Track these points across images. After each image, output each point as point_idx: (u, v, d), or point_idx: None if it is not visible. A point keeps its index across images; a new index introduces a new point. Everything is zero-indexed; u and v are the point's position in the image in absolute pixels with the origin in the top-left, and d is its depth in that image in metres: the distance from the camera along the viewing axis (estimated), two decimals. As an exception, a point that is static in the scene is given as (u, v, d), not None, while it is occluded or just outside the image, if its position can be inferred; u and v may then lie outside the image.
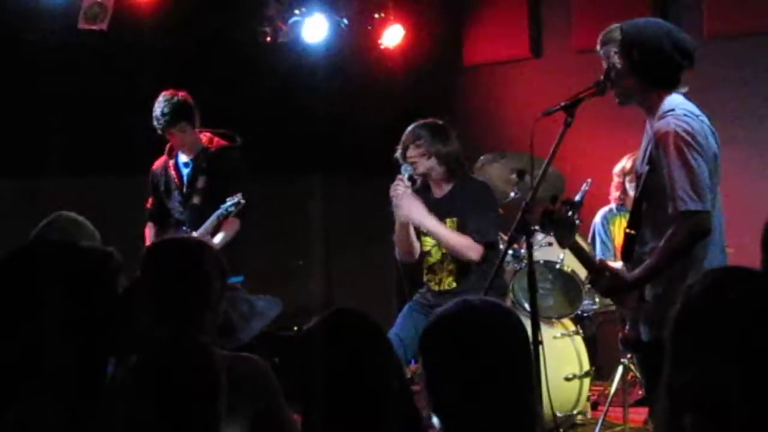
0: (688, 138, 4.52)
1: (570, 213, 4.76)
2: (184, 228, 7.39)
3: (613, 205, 7.93)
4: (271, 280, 8.05)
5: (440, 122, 6.68)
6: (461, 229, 6.54)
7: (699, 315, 1.80)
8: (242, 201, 7.15)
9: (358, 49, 9.77)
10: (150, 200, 7.77)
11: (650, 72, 4.69)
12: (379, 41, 9.65)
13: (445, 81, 10.41)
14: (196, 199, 7.45)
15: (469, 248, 6.48)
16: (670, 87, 4.72)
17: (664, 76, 4.70)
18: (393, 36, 9.64)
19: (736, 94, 8.22)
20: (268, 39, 9.15)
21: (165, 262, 3.72)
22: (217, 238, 7.21)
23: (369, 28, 9.60)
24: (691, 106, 4.68)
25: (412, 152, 6.54)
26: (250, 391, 3.66)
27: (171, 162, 7.59)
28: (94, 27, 8.12)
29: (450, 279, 6.67)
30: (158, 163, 7.71)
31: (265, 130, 8.08)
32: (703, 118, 4.68)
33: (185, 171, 7.55)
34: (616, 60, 4.74)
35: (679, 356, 1.82)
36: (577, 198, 7.35)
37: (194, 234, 7.10)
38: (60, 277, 2.83)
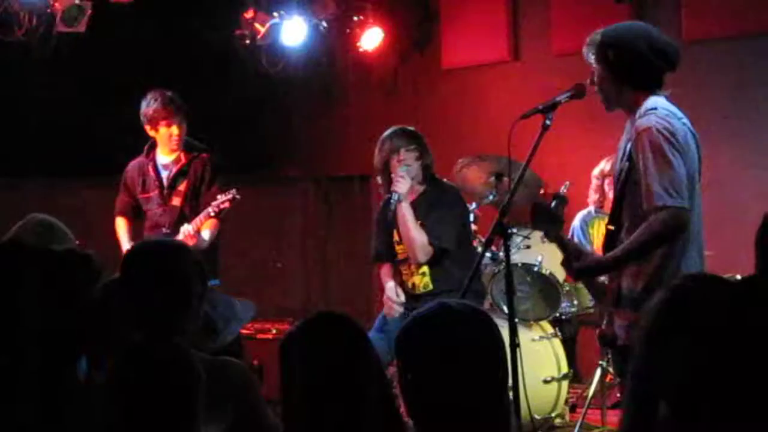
0: (669, 136, 4.53)
1: (559, 207, 4.79)
2: (163, 229, 7.35)
3: (591, 208, 7.95)
4: (251, 283, 8.04)
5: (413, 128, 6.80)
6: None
7: (661, 326, 1.81)
8: (237, 196, 7.15)
9: (336, 51, 9.79)
10: (120, 197, 7.69)
11: (626, 72, 4.70)
12: (358, 44, 9.66)
13: (424, 84, 10.41)
14: (176, 201, 7.42)
15: (422, 248, 6.62)
16: (649, 88, 4.73)
17: (641, 76, 4.71)
18: (372, 39, 9.65)
19: (715, 98, 8.24)
20: (247, 42, 9.14)
21: (144, 265, 3.71)
22: (205, 236, 7.23)
23: (347, 31, 9.61)
24: (674, 108, 4.70)
25: (406, 155, 6.63)
26: (229, 394, 3.66)
27: (149, 163, 7.52)
28: (72, 30, 8.10)
29: (426, 280, 6.71)
30: (133, 163, 7.63)
31: (243, 132, 8.07)
32: (685, 120, 4.70)
33: (164, 173, 7.49)
34: (597, 63, 4.76)
35: (647, 359, 1.84)
36: (556, 200, 7.43)
37: (188, 230, 7.10)
38: (33, 280, 2.82)
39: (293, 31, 9.19)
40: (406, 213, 6.60)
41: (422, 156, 6.68)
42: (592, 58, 4.79)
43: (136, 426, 2.74)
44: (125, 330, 3.38)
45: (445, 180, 7.00)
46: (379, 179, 6.78)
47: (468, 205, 7.45)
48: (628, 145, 4.69)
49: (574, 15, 8.76)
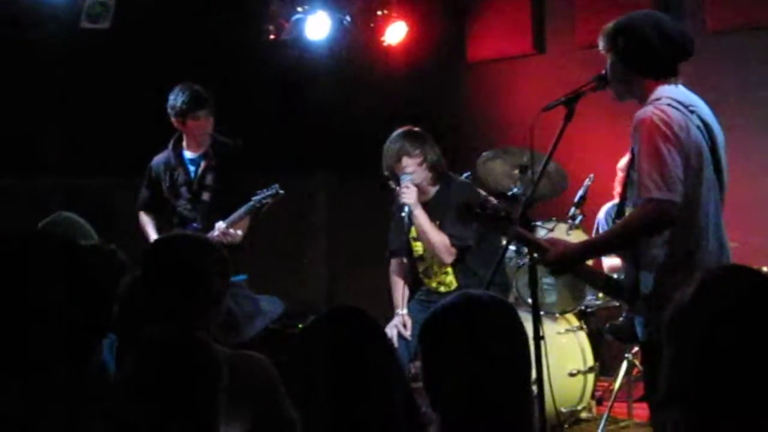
0: (663, 127, 4.45)
1: (494, 209, 4.79)
2: (194, 225, 7.33)
3: (617, 201, 7.92)
4: (276, 279, 8.05)
5: (417, 129, 6.78)
6: (441, 230, 6.69)
7: (689, 319, 1.79)
8: (280, 192, 7.11)
9: (360, 46, 9.78)
10: (144, 191, 7.69)
11: (635, 60, 4.67)
12: (382, 38, 9.65)
13: (449, 78, 10.41)
14: (205, 196, 7.41)
15: (446, 250, 6.65)
16: (659, 77, 4.68)
17: (650, 64, 4.67)
18: (396, 33, 9.64)
19: (737, 89, 8.21)
20: (272, 36, 9.16)
21: (163, 259, 3.72)
22: (240, 231, 7.20)
23: (372, 25, 9.60)
24: (682, 97, 4.62)
25: (408, 162, 6.61)
26: (251, 388, 3.67)
27: (176, 158, 7.50)
28: (96, 26, 8.12)
29: (450, 278, 6.74)
30: (159, 158, 7.61)
31: (267, 128, 8.09)
32: (695, 108, 4.61)
33: (192, 168, 7.48)
34: (607, 49, 4.74)
35: (673, 359, 1.82)
36: (580, 193, 7.41)
37: (221, 226, 7.09)
38: (59, 272, 2.82)
39: (317, 26, 9.20)
40: (421, 220, 6.62)
41: (426, 159, 6.65)
42: (603, 45, 4.76)
43: (157, 419, 2.74)
44: (148, 324, 3.40)
45: (457, 176, 6.96)
46: (391, 183, 6.76)
47: (489, 199, 7.45)
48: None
49: (598, 7, 8.73)
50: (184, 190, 7.47)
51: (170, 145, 7.54)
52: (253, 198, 7.14)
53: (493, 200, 4.74)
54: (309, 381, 3.05)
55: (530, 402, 2.90)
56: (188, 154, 7.49)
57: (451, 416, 2.77)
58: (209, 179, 7.41)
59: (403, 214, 6.64)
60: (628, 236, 4.53)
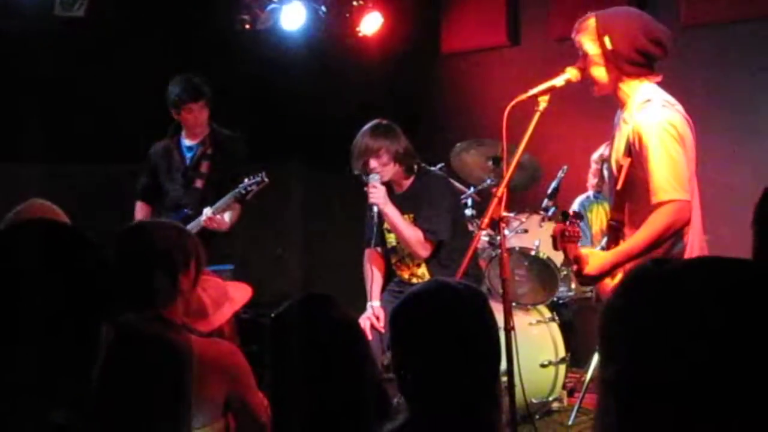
0: (671, 129, 4.54)
1: (579, 225, 4.76)
2: (186, 210, 7.46)
3: (590, 193, 7.97)
4: (251, 268, 8.05)
5: (386, 122, 6.72)
6: (415, 224, 6.65)
7: (622, 307, 1.81)
8: (266, 179, 7.22)
9: (336, 36, 9.77)
10: (142, 180, 7.83)
11: (622, 59, 4.69)
12: (357, 29, 9.65)
13: (423, 68, 10.43)
14: (198, 183, 7.59)
15: (420, 245, 6.61)
16: (643, 75, 4.74)
17: (636, 63, 4.71)
18: (371, 23, 9.63)
19: (710, 82, 8.25)
20: (247, 26, 9.14)
21: (136, 245, 3.72)
22: (227, 218, 7.36)
23: (347, 15, 9.59)
24: (668, 96, 4.71)
25: (375, 163, 6.55)
26: (220, 374, 3.68)
27: (174, 145, 7.69)
28: (70, 14, 8.10)
29: (422, 270, 6.75)
30: (158, 145, 7.79)
31: (242, 118, 8.08)
32: (679, 107, 4.70)
33: (188, 155, 7.66)
34: (590, 48, 4.76)
35: (607, 350, 1.84)
36: (554, 185, 7.44)
37: (208, 212, 7.22)
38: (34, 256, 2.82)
39: (293, 16, 9.19)
40: (393, 219, 6.58)
41: (394, 156, 6.58)
42: (585, 42, 4.78)
43: (124, 404, 2.75)
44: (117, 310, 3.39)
45: (431, 168, 6.95)
46: (365, 179, 6.70)
47: (462, 190, 7.49)
48: (629, 139, 4.68)
49: (573, 0, 8.77)
50: (178, 175, 7.65)
51: (169, 132, 7.72)
52: (239, 185, 7.23)
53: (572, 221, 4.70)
54: (279, 366, 3.07)
55: (499, 391, 2.91)
56: (186, 142, 7.69)
57: (420, 403, 2.78)
58: (204, 167, 7.59)
59: (372, 214, 6.62)
60: (655, 239, 4.55)
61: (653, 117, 4.59)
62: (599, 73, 4.77)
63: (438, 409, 2.75)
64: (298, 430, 3.03)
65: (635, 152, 4.63)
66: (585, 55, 4.78)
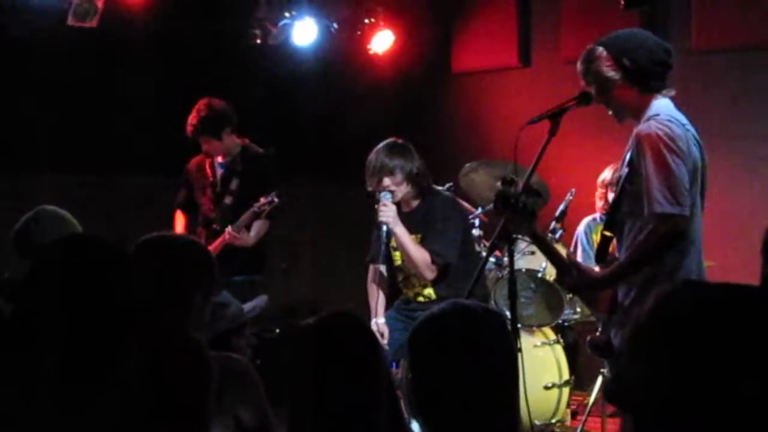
0: (669, 142, 4.51)
1: (529, 200, 4.71)
2: (215, 226, 7.66)
3: (597, 215, 7.96)
4: (266, 280, 8.09)
5: (400, 141, 6.69)
6: (423, 245, 6.61)
7: (646, 334, 1.81)
8: (275, 200, 7.38)
9: (347, 53, 9.79)
10: (181, 193, 8.02)
11: (645, 76, 4.71)
12: (368, 46, 9.65)
13: (433, 88, 10.43)
14: (228, 200, 7.76)
15: (427, 267, 6.57)
16: (656, 91, 4.75)
17: (655, 80, 4.73)
18: (382, 41, 9.64)
19: (722, 109, 8.25)
20: (258, 41, 9.16)
21: (150, 260, 3.71)
22: (252, 233, 7.60)
23: (358, 33, 9.60)
24: (677, 114, 4.70)
25: (388, 182, 6.52)
26: (234, 389, 3.67)
27: (208, 161, 7.88)
28: (83, 24, 8.13)
29: (429, 290, 6.72)
30: (195, 161, 7.99)
31: (253, 132, 8.09)
32: (689, 127, 4.68)
33: (220, 171, 7.84)
34: (611, 74, 4.75)
35: (627, 364, 1.84)
36: (561, 207, 7.43)
37: (229, 229, 7.45)
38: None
39: (304, 32, 9.21)
40: (402, 239, 6.53)
41: (408, 176, 6.56)
42: (603, 69, 4.76)
43: (151, 416, 2.74)
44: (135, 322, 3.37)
45: (440, 188, 6.93)
46: (377, 196, 6.68)
47: (470, 210, 7.48)
48: (630, 150, 4.69)
49: (584, 22, 8.79)
50: (209, 191, 7.85)
51: (203, 149, 7.89)
52: (255, 204, 7.41)
53: (523, 195, 4.66)
54: (297, 384, 3.05)
55: (517, 413, 2.90)
56: (218, 159, 7.87)
57: (436, 424, 2.77)
58: (234, 184, 7.77)
59: (381, 233, 6.60)
60: (646, 255, 4.53)
61: (654, 128, 4.56)
62: (625, 95, 4.77)
63: (454, 430, 2.73)
64: None
65: (634, 164, 4.62)
66: (606, 82, 4.77)
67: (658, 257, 4.54)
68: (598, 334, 4.93)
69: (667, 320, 1.76)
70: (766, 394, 1.61)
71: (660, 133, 4.54)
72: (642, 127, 4.63)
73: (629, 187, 4.66)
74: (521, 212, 4.69)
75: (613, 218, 4.81)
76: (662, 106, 4.71)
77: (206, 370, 2.89)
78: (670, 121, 4.60)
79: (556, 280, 4.82)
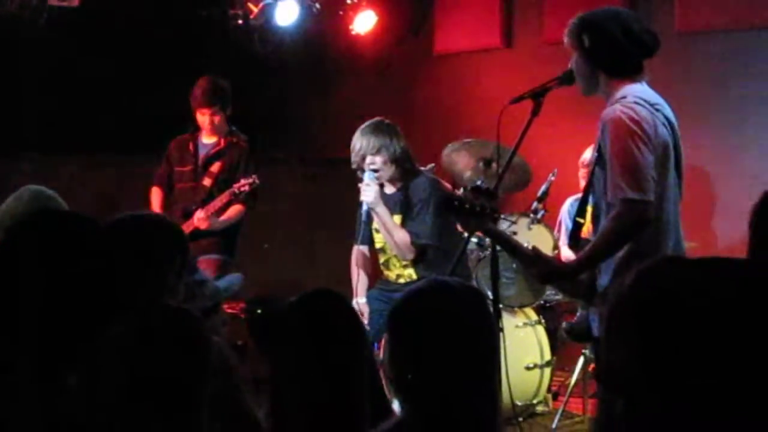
0: (633, 126, 4.41)
1: (476, 201, 4.63)
2: (192, 207, 7.67)
3: (581, 195, 7.95)
4: (239, 263, 8.07)
5: (387, 121, 6.71)
6: (403, 226, 6.64)
7: (625, 309, 1.80)
8: (257, 181, 7.50)
9: (329, 33, 9.77)
10: (160, 169, 8.02)
11: (600, 58, 4.64)
12: (351, 27, 9.64)
13: (416, 68, 10.41)
14: (206, 181, 7.79)
15: (407, 248, 6.62)
16: (625, 75, 4.64)
17: (614, 62, 4.64)
18: (364, 22, 9.63)
19: (705, 90, 8.25)
20: (239, 21, 9.13)
21: (123, 240, 3.67)
22: (220, 218, 7.66)
23: (340, 13, 9.59)
24: (648, 95, 4.58)
25: (373, 160, 6.55)
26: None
27: (191, 141, 7.92)
28: (63, 3, 8.10)
29: (410, 271, 6.73)
30: (177, 140, 8.01)
31: (234, 112, 8.08)
32: (661, 107, 4.59)
33: (203, 152, 7.88)
34: (573, 46, 4.71)
35: (609, 345, 1.83)
36: (543, 188, 7.43)
37: (201, 210, 7.54)
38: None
39: (286, 12, 9.18)
40: (383, 218, 6.57)
41: (392, 156, 6.58)
42: (568, 42, 4.74)
43: (142, 397, 2.73)
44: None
45: (421, 169, 6.92)
46: (360, 175, 6.69)
47: (452, 190, 7.46)
48: (597, 135, 4.64)
49: (567, 3, 8.74)
50: (188, 170, 7.89)
51: (191, 128, 7.95)
52: (235, 185, 7.52)
53: (470, 195, 4.63)
54: (280, 362, 3.05)
55: (496, 390, 2.90)
56: (203, 139, 7.92)
57: (415, 402, 2.76)
58: (214, 167, 7.81)
59: (362, 210, 6.62)
60: (611, 242, 4.45)
61: (618, 111, 4.46)
62: (581, 70, 4.71)
63: (434, 408, 2.72)
64: (300, 424, 3.00)
65: (602, 149, 4.52)
66: (571, 54, 4.76)
67: (622, 243, 4.45)
68: (576, 318, 4.93)
69: (648, 294, 1.75)
70: (755, 366, 1.60)
71: (624, 117, 4.43)
72: (607, 111, 4.53)
73: (599, 172, 4.60)
74: (467, 214, 4.64)
75: (584, 203, 4.78)
76: (631, 89, 4.59)
77: (206, 349, 2.87)
78: (636, 103, 4.49)
79: (523, 269, 4.78)
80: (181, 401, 2.78)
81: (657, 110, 4.53)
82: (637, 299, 1.77)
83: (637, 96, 4.54)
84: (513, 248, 4.79)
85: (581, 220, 4.77)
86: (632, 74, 4.66)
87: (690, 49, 8.26)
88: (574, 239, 4.81)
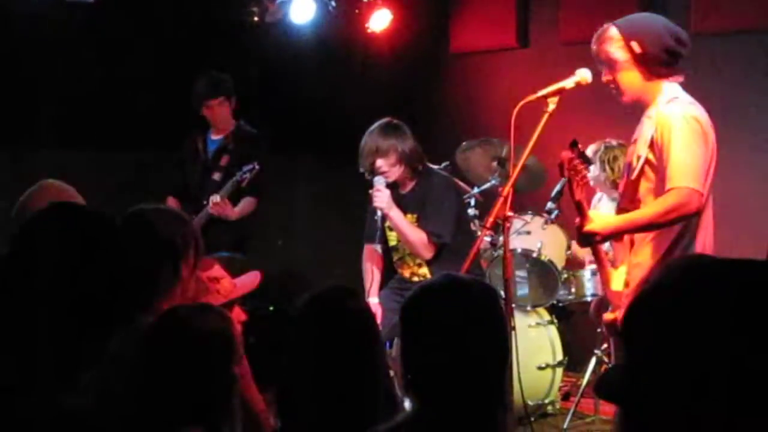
0: (696, 125, 4.64)
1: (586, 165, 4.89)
2: (204, 202, 7.66)
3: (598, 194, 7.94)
4: (250, 259, 8.07)
5: (395, 122, 6.68)
6: (419, 225, 6.63)
7: (649, 308, 1.79)
8: (257, 167, 7.53)
9: (345, 31, 9.76)
10: (175, 177, 8.08)
11: (653, 60, 4.77)
12: (367, 25, 9.62)
13: (431, 67, 10.42)
14: (216, 176, 7.85)
15: (424, 247, 6.61)
16: (672, 75, 4.82)
17: (666, 63, 4.79)
18: (380, 20, 9.61)
19: (721, 92, 8.22)
20: (256, 19, 9.14)
21: (140, 233, 3.68)
22: (237, 207, 7.71)
23: (357, 11, 9.57)
24: (690, 98, 4.81)
25: (382, 163, 6.52)
26: None
27: (200, 137, 7.99)
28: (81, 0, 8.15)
29: (424, 269, 6.72)
30: (189, 139, 8.08)
31: (250, 111, 8.10)
32: (703, 109, 4.79)
33: (212, 148, 7.95)
34: (619, 55, 4.78)
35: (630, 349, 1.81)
36: (557, 188, 7.43)
37: (214, 197, 7.54)
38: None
39: (302, 10, 9.18)
40: (397, 221, 6.56)
41: (401, 156, 6.55)
42: (613, 51, 4.80)
43: (163, 388, 2.74)
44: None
45: (435, 168, 6.92)
46: (369, 178, 6.66)
47: (466, 189, 7.47)
48: (651, 132, 4.70)
49: (583, 4, 8.75)
50: (198, 166, 7.96)
51: (201, 127, 8.03)
52: (237, 173, 7.57)
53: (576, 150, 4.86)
54: (297, 359, 3.06)
55: (506, 388, 2.90)
56: (212, 136, 8.00)
57: (426, 398, 2.77)
58: (223, 161, 7.87)
59: (376, 218, 6.60)
60: (660, 216, 4.61)
61: (681, 110, 4.67)
62: (630, 78, 4.83)
63: (444, 405, 2.72)
64: (310, 420, 3.01)
65: (657, 144, 4.68)
66: (614, 63, 4.81)
67: (667, 224, 4.63)
68: (609, 310, 4.99)
69: (670, 294, 1.73)
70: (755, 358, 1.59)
71: (686, 114, 4.65)
72: (667, 109, 4.70)
73: (649, 167, 4.72)
74: (585, 160, 4.93)
75: (628, 196, 4.86)
76: (676, 90, 4.79)
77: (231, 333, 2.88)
78: (692, 104, 4.74)
79: (576, 230, 4.91)
80: (199, 396, 2.80)
81: (703, 111, 4.77)
82: (661, 296, 1.75)
83: (688, 98, 4.78)
84: (581, 208, 4.93)
85: (628, 206, 4.86)
86: (676, 73, 4.86)
87: (704, 50, 8.23)
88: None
